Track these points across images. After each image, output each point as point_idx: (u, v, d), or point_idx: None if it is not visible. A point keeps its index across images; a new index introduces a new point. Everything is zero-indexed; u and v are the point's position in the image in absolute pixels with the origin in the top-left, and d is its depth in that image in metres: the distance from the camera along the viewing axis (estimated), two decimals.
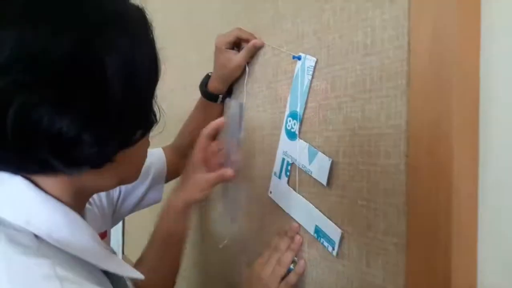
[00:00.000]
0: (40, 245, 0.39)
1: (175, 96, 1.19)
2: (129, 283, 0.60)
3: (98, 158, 0.41)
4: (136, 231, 1.54)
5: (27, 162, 0.39)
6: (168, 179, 0.95)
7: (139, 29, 0.43)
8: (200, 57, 1.05)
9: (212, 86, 0.85)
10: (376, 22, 0.54)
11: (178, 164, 0.97)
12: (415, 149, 0.49)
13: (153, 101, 0.47)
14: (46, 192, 0.42)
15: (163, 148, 0.96)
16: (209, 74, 0.87)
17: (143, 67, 0.42)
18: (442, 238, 0.45)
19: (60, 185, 0.43)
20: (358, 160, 0.57)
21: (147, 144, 0.54)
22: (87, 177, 0.44)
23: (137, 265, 0.74)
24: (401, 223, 0.51)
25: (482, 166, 0.46)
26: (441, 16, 0.46)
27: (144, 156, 0.54)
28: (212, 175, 0.71)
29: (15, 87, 0.33)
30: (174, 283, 0.77)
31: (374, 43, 0.55)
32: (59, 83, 0.35)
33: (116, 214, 0.91)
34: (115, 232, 1.75)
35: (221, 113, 0.92)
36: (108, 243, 0.87)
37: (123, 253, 1.65)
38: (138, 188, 0.92)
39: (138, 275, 0.48)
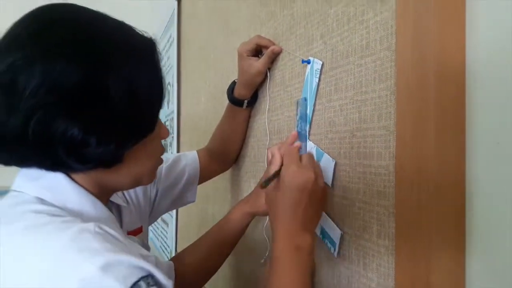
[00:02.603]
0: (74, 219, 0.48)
1: (215, 101, 1.25)
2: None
3: (104, 157, 0.50)
4: (188, 230, 1.63)
5: (46, 160, 0.49)
6: (201, 180, 1.01)
7: (143, 58, 0.52)
8: (234, 64, 1.10)
9: (237, 92, 0.90)
10: (370, 23, 0.55)
11: (210, 166, 1.02)
12: (400, 149, 0.48)
13: (153, 115, 0.55)
14: (77, 183, 0.53)
15: (198, 151, 1.02)
16: (235, 80, 0.91)
17: (143, 91, 0.51)
18: (425, 241, 0.45)
19: (87, 180, 0.54)
20: (356, 161, 0.57)
21: (160, 150, 0.62)
22: (106, 175, 0.54)
23: (191, 247, 0.84)
24: (391, 225, 0.50)
25: (469, 166, 0.44)
26: (421, 14, 0.45)
27: (154, 159, 0.61)
28: None
29: (39, 105, 0.44)
30: (210, 276, 0.85)
31: (368, 44, 0.55)
32: (72, 101, 0.45)
33: (153, 212, 0.98)
34: (170, 231, 1.86)
35: (247, 118, 0.96)
36: (144, 238, 0.94)
37: (176, 250, 1.74)
38: (173, 189, 0.98)
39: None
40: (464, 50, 0.45)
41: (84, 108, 0.46)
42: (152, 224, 2.43)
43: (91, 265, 0.40)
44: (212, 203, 1.31)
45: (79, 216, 0.50)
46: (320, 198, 0.60)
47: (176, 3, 1.82)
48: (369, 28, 0.55)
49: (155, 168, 0.62)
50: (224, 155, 1.03)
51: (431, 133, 0.44)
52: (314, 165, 0.61)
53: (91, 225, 0.45)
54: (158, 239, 2.17)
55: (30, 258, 0.42)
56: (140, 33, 0.54)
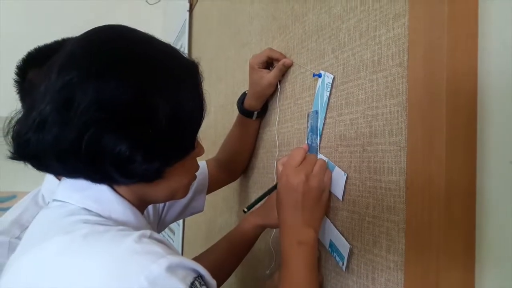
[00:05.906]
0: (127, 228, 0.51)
1: (225, 111, 1.26)
2: None
3: (148, 173, 0.52)
4: (195, 240, 1.63)
5: (94, 173, 0.51)
6: (209, 190, 1.01)
7: (188, 81, 0.55)
8: (245, 76, 1.11)
9: (248, 103, 0.90)
10: (382, 39, 0.55)
11: (219, 176, 1.03)
12: (411, 165, 0.48)
13: (194, 134, 0.58)
14: (120, 195, 0.55)
15: (207, 161, 1.03)
16: (246, 92, 0.92)
17: (187, 111, 0.54)
18: (434, 257, 0.44)
19: (128, 192, 0.56)
20: (366, 176, 0.57)
21: (196, 167, 0.65)
22: (145, 189, 0.57)
23: (201, 256, 0.86)
24: (400, 240, 0.50)
25: (480, 183, 0.44)
26: (434, 31, 0.46)
27: (190, 176, 0.64)
28: None
29: (91, 121, 0.46)
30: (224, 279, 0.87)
31: (380, 60, 0.55)
32: (121, 119, 0.48)
33: (161, 222, 0.98)
34: (176, 240, 1.86)
35: (257, 129, 0.97)
36: None
37: None
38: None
39: None
40: (476, 67, 0.45)
41: (132, 126, 0.48)
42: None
43: (158, 266, 0.42)
44: (220, 213, 1.31)
45: (124, 226, 0.52)
46: (315, 197, 0.63)
47: (187, 13, 1.84)
48: (381, 44, 0.55)
49: (190, 183, 0.65)
50: (232, 166, 1.03)
51: (442, 150, 0.44)
52: (308, 168, 0.64)
53: (147, 232, 0.47)
54: None
55: (96, 262, 0.43)
56: (184, 55, 0.57)
